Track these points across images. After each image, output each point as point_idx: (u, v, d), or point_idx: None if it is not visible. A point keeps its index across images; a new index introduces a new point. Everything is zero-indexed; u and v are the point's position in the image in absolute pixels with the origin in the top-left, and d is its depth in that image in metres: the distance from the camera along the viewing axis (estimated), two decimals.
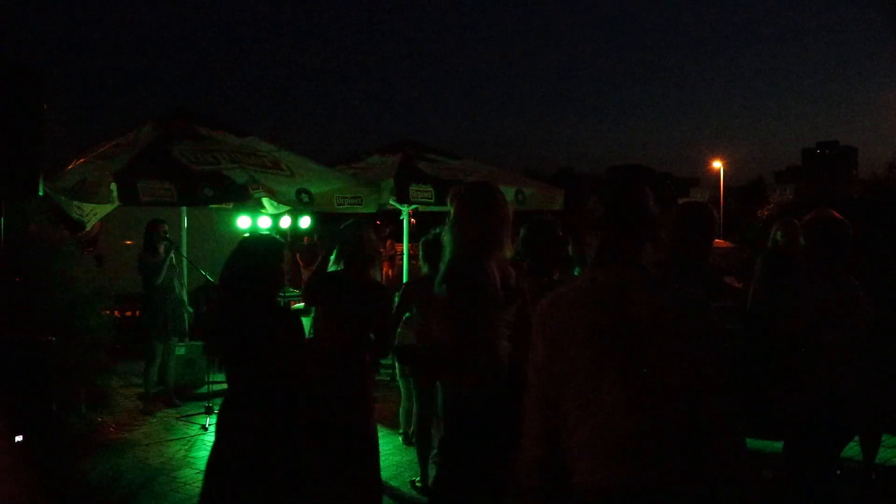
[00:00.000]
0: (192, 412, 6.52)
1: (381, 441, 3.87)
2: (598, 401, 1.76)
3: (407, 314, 4.70)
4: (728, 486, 1.75)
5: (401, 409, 5.57)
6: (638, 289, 1.81)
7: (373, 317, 3.71)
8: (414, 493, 4.67)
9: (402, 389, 5.41)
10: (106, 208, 6.37)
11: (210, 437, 5.80)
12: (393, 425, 5.78)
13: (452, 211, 3.02)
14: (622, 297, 1.80)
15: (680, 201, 3.82)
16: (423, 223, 13.43)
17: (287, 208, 7.46)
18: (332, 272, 3.79)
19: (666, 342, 1.75)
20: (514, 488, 1.97)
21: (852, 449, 4.81)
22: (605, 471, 1.75)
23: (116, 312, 8.70)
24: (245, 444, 2.94)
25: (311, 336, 3.85)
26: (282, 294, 8.58)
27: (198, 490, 4.65)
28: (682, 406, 1.75)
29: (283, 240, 3.32)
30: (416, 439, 4.85)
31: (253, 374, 2.99)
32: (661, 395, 1.74)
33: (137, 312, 7.01)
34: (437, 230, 4.10)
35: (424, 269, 4.77)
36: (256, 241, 3.22)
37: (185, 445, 5.66)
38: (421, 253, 5.08)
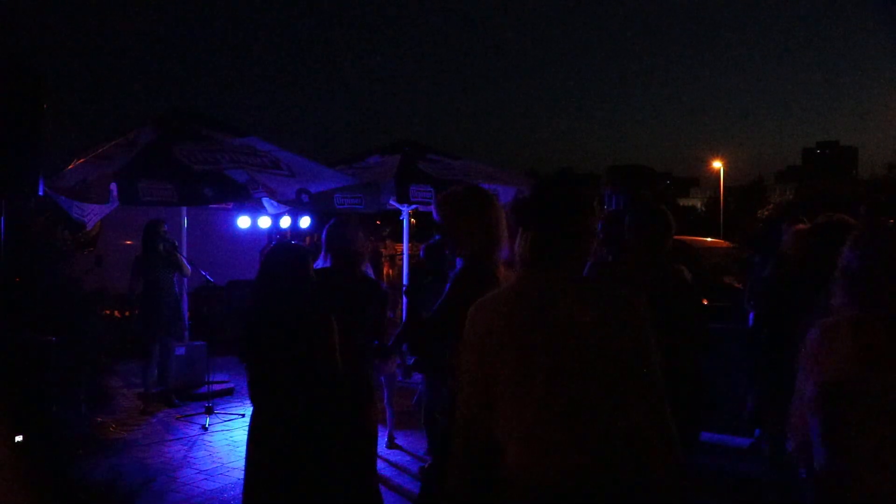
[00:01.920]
0: (192, 412, 6.52)
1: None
2: (527, 399, 1.77)
3: None
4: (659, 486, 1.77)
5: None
6: (561, 290, 1.82)
7: (366, 311, 3.65)
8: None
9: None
10: (106, 208, 6.37)
11: (210, 437, 5.83)
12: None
13: (447, 217, 3.00)
14: (545, 299, 1.81)
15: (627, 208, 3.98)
16: (423, 223, 13.43)
17: (287, 208, 7.46)
18: (319, 269, 3.75)
19: (589, 340, 1.76)
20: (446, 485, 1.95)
21: None
22: (536, 465, 1.76)
23: (116, 312, 8.72)
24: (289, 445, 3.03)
25: None
26: None
27: (198, 490, 4.67)
28: (610, 403, 1.76)
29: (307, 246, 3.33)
30: (425, 423, 4.96)
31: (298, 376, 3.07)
32: (587, 392, 1.75)
33: (137, 312, 7.01)
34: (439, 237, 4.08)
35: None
36: (285, 254, 3.31)
37: (185, 445, 5.66)
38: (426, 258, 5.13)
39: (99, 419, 6.16)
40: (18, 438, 3.55)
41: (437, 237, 4.50)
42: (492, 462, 1.84)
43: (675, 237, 3.59)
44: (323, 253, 3.75)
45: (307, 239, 12.61)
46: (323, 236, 3.75)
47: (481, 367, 1.85)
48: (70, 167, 6.53)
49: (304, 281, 3.20)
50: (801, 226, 4.65)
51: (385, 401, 5.55)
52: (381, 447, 4.99)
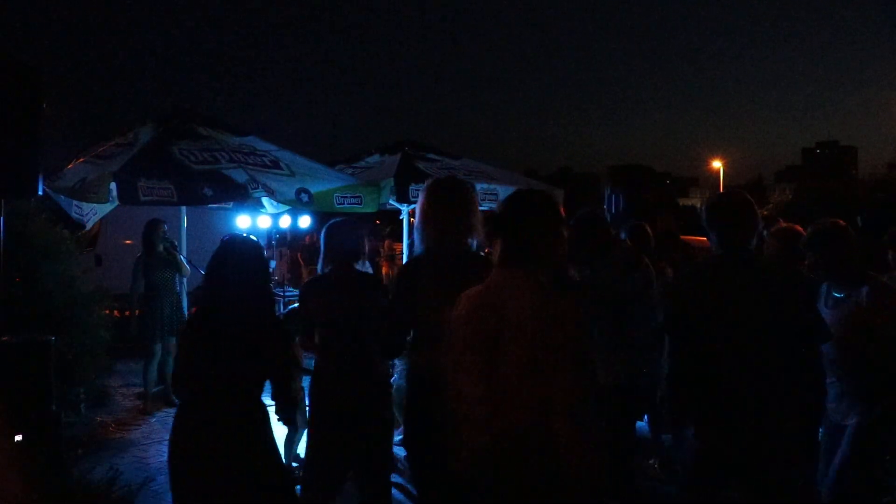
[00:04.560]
0: None
1: None
2: (489, 368, 2.29)
3: None
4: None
5: None
6: (513, 287, 2.33)
7: (371, 310, 3.55)
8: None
9: None
10: (106, 208, 6.36)
11: None
12: None
13: (417, 206, 3.12)
14: (500, 294, 2.32)
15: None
16: None
17: (287, 208, 7.45)
18: (319, 276, 3.71)
19: (534, 326, 2.29)
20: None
21: None
22: (496, 417, 2.29)
23: (116, 312, 8.71)
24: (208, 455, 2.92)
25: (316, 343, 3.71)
26: (281, 293, 8.60)
27: None
28: (544, 374, 2.29)
29: (258, 241, 3.26)
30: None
31: (243, 386, 3.00)
32: (530, 365, 2.29)
33: (137, 312, 7.00)
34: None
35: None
36: (241, 249, 3.17)
37: None
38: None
39: (99, 419, 6.16)
40: (18, 438, 3.55)
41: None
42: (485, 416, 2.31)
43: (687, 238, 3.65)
44: (322, 258, 3.68)
45: (308, 238, 12.63)
46: (322, 240, 3.70)
47: (466, 350, 2.33)
48: (70, 167, 6.52)
49: (258, 282, 3.09)
50: (779, 223, 4.71)
51: None
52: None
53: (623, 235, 5.23)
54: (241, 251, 3.13)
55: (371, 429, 3.46)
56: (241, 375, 2.99)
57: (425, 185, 3.17)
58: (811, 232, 3.52)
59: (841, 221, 3.48)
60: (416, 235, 3.09)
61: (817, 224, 3.52)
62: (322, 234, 3.71)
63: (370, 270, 10.19)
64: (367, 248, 4.06)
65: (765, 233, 4.92)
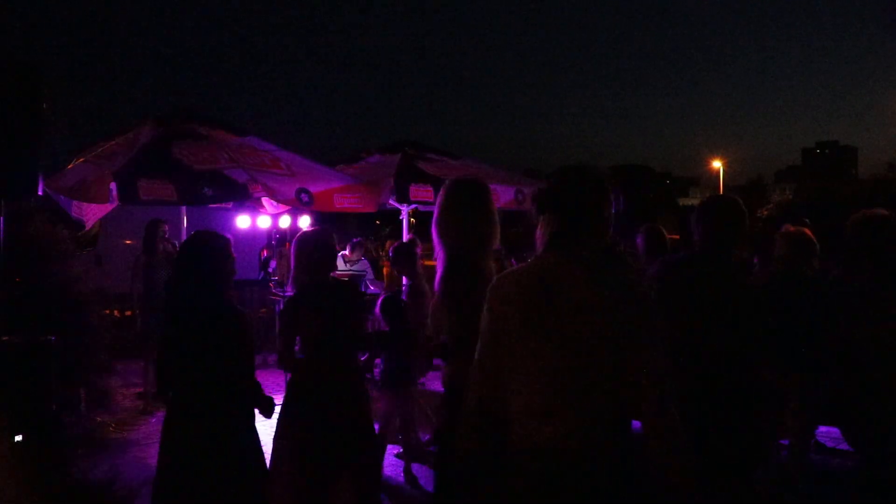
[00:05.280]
0: None
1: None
2: (532, 368, 1.95)
3: None
4: (659, 475, 1.90)
5: None
6: (570, 271, 1.98)
7: (352, 314, 3.59)
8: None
9: None
10: (106, 208, 6.36)
11: None
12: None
13: (440, 206, 3.03)
14: (556, 278, 1.97)
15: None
16: (423, 223, 13.43)
17: (287, 208, 7.46)
18: (297, 292, 3.67)
19: (592, 321, 1.91)
20: (455, 452, 2.11)
21: None
22: (536, 434, 1.93)
23: (116, 312, 8.72)
24: (194, 453, 2.98)
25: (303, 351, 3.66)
26: (282, 293, 8.59)
27: None
28: (609, 383, 1.91)
29: (226, 236, 3.21)
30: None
31: (205, 381, 3.01)
32: (588, 369, 1.90)
33: (138, 312, 7.01)
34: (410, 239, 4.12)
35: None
36: (201, 242, 3.17)
37: None
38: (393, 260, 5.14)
39: (99, 419, 6.15)
40: (18, 438, 3.55)
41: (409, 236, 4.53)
42: (499, 429, 2.01)
43: (674, 236, 3.62)
44: (294, 270, 3.64)
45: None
46: (292, 252, 3.65)
47: (496, 336, 2.03)
48: (70, 167, 6.52)
49: (221, 278, 3.08)
50: (787, 227, 4.70)
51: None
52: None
53: (637, 237, 5.27)
54: (192, 246, 3.15)
55: (356, 426, 3.50)
56: (207, 369, 3.01)
57: (446, 184, 3.11)
58: (856, 221, 3.39)
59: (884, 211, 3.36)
60: (437, 237, 3.00)
61: (862, 214, 3.39)
62: (293, 246, 3.66)
63: (369, 271, 10.17)
64: (343, 252, 4.04)
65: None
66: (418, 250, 5.56)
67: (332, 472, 3.46)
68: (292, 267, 3.66)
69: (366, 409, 3.60)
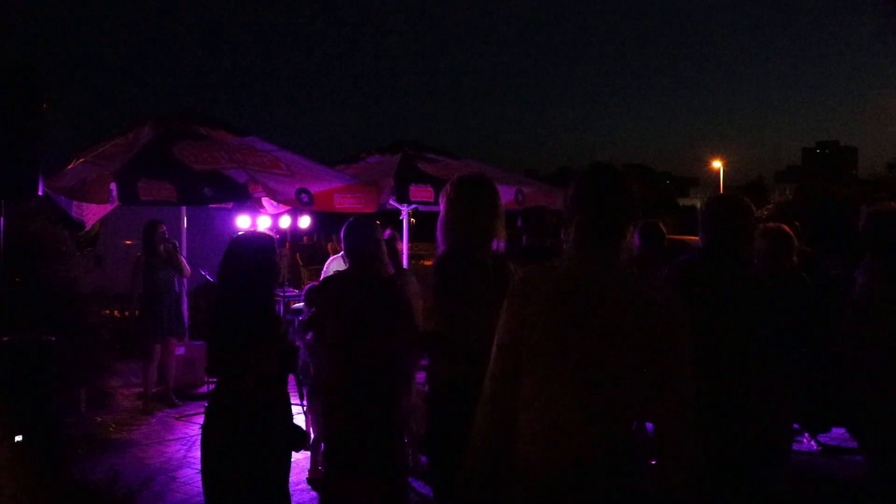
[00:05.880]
0: (192, 412, 6.51)
1: None
2: (552, 379, 1.82)
3: None
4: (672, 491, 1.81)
5: None
6: (602, 280, 1.84)
7: (392, 314, 3.50)
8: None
9: None
10: (106, 208, 6.37)
11: None
12: None
13: (443, 204, 3.04)
14: (585, 286, 1.84)
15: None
16: (424, 223, 13.42)
17: (287, 208, 7.46)
18: (337, 273, 3.70)
19: (621, 335, 1.79)
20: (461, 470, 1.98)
21: None
22: (546, 447, 1.81)
23: (116, 312, 8.72)
24: (235, 446, 3.00)
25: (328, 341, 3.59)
26: (282, 294, 8.59)
27: (197, 490, 4.65)
28: (632, 398, 1.81)
29: (274, 237, 3.29)
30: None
31: (242, 376, 3.01)
32: (611, 383, 1.78)
33: (137, 312, 7.01)
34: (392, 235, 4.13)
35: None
36: (249, 240, 3.22)
37: (184, 445, 5.66)
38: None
39: (99, 419, 6.15)
40: (18, 438, 3.55)
41: (388, 233, 4.54)
42: (509, 440, 1.88)
43: (674, 237, 3.61)
44: (343, 255, 3.68)
45: (306, 238, 12.63)
46: (341, 237, 3.68)
47: (516, 339, 1.88)
48: (70, 167, 6.53)
49: (263, 284, 3.11)
50: (765, 226, 4.71)
51: None
52: None
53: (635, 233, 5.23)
54: (240, 249, 3.14)
55: (384, 431, 3.44)
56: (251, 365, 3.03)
57: (451, 181, 3.11)
58: (871, 213, 3.38)
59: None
60: (440, 234, 3.01)
61: (878, 206, 3.36)
62: (342, 233, 3.67)
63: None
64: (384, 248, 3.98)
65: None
66: (399, 245, 5.49)
67: (360, 470, 3.44)
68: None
69: (392, 405, 3.50)
